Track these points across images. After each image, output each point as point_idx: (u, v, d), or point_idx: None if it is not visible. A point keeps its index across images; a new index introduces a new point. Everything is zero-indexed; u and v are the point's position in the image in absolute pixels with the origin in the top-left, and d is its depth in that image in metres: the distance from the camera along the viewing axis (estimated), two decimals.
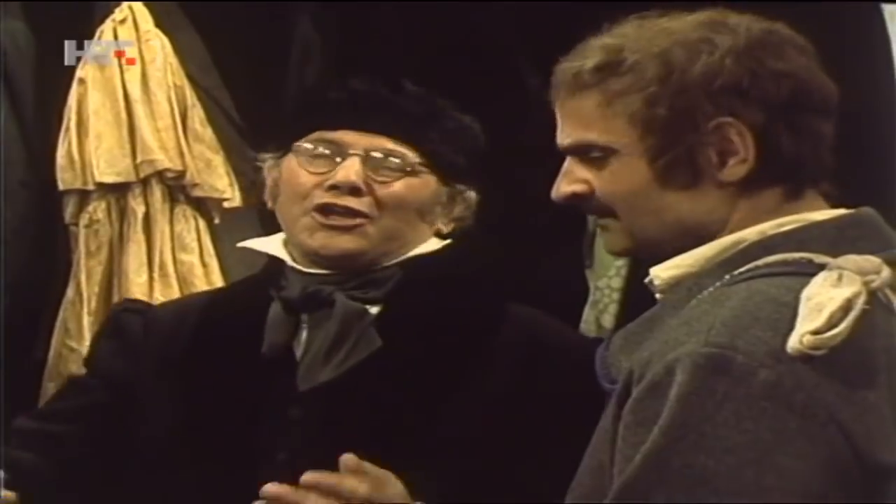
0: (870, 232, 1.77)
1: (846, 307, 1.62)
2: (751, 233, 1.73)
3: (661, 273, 1.72)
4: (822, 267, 1.68)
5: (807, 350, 1.58)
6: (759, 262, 1.70)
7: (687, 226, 1.72)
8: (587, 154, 1.70)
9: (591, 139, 1.68)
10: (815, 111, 1.74)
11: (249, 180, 2.67)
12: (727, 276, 1.70)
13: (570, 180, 1.71)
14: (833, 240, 1.74)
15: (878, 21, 3.08)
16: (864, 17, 3.09)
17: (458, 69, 2.85)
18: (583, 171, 1.71)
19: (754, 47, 1.70)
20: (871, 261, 1.70)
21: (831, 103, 1.75)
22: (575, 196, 1.72)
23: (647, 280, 1.76)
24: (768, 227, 1.73)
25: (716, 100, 1.69)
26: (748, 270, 1.70)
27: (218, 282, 2.89)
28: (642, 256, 1.77)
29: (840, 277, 1.67)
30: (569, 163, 1.72)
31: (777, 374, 1.55)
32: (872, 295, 1.66)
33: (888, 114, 3.07)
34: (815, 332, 1.61)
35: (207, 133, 2.94)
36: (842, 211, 1.78)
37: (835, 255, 1.70)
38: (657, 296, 1.76)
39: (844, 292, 1.65)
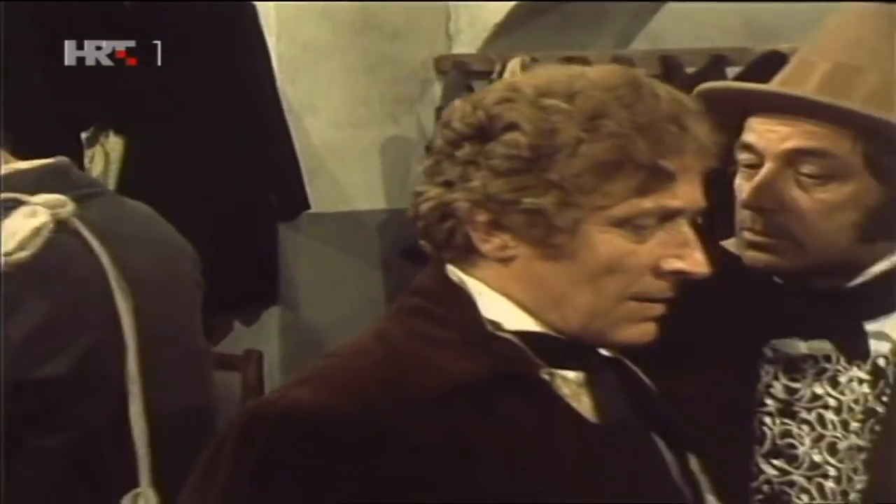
0: (62, 177, 2.09)
1: (35, 234, 1.98)
2: None
3: None
4: (17, 203, 2.01)
5: (8, 269, 1.94)
6: None
7: None
8: None
9: None
10: None
11: None
12: None
13: None
14: (33, 184, 2.05)
15: (250, 14, 3.79)
16: (237, 11, 3.73)
17: None
18: None
19: None
20: (59, 198, 2.03)
21: None
22: None
23: None
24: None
25: None
26: None
27: None
28: None
29: (34, 212, 2.00)
30: None
31: None
32: (62, 223, 2.00)
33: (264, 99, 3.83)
34: (8, 254, 1.96)
35: None
36: (42, 161, 2.10)
37: (34, 194, 2.03)
38: None
39: (35, 222, 1.99)
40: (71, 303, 2.01)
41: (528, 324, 1.63)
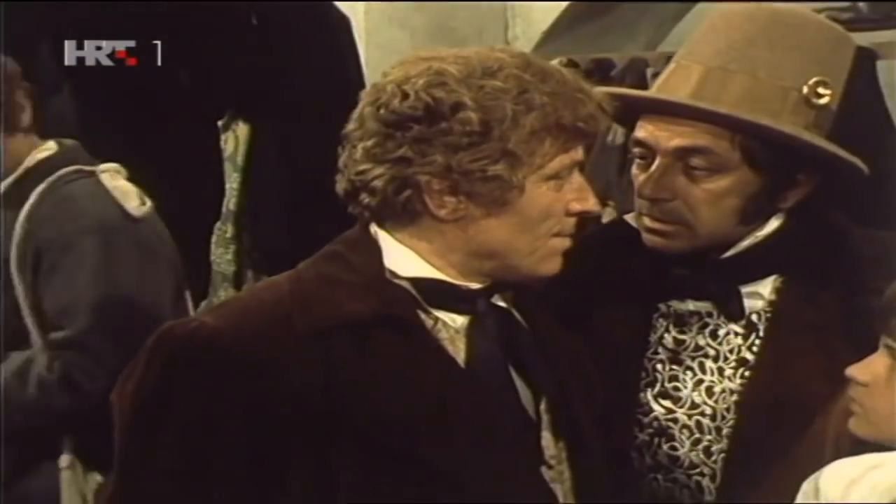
0: (82, 152, 2.58)
1: (137, 191, 2.53)
2: (29, 160, 2.55)
3: None
4: (91, 173, 2.51)
5: (145, 215, 2.54)
6: (57, 175, 2.50)
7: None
8: None
9: None
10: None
11: None
12: (45, 184, 2.47)
13: None
14: (77, 158, 2.53)
15: (345, 24, 4.15)
16: (335, 23, 4.07)
17: None
18: None
19: None
20: (116, 165, 2.51)
21: None
22: None
23: None
24: (37, 154, 2.55)
25: None
26: (59, 179, 2.48)
27: None
28: None
29: (113, 176, 2.50)
30: None
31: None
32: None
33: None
34: (141, 206, 2.51)
35: None
36: (68, 141, 2.56)
37: (90, 165, 2.52)
38: None
39: (129, 184, 2.50)
40: (166, 244, 2.49)
41: (428, 271, 1.75)
